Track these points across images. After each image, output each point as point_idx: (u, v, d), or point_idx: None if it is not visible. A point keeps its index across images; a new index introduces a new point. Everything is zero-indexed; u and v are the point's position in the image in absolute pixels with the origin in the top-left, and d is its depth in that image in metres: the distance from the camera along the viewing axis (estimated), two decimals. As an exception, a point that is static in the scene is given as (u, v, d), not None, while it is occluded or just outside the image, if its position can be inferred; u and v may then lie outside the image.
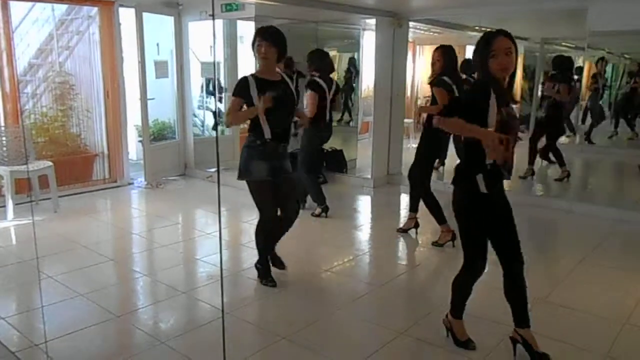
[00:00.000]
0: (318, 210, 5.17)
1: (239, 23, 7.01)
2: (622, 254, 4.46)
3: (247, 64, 6.46)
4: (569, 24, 6.65)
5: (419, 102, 9.61)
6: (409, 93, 8.53)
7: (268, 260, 3.63)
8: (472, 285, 2.76)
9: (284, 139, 3.40)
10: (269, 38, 3.26)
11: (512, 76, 2.54)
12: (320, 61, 4.99)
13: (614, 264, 4.20)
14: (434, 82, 4.16)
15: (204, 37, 6.93)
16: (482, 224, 2.63)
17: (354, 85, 8.22)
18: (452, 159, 3.23)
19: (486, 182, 2.49)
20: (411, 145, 8.76)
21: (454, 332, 2.83)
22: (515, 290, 2.65)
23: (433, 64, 4.21)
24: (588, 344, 2.88)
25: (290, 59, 7.61)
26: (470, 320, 3.19)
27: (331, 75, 5.13)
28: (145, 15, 6.17)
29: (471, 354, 2.75)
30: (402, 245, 4.71)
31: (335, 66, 8.11)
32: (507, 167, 2.52)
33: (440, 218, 4.35)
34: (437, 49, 4.22)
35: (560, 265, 4.04)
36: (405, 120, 7.57)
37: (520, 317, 2.65)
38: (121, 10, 6.09)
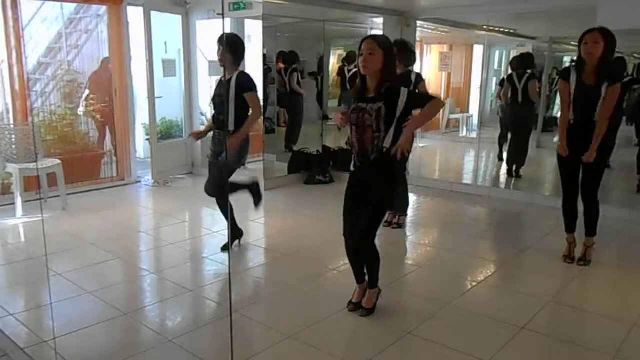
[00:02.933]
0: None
1: (247, 22, 7.02)
2: (631, 255, 4.43)
3: (255, 63, 6.48)
4: (578, 23, 6.58)
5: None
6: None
7: (234, 230, 4.21)
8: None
9: (219, 127, 4.02)
10: (224, 44, 3.82)
11: (382, 73, 2.87)
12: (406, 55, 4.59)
13: (624, 264, 4.18)
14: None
15: (212, 35, 6.94)
16: (348, 198, 3.16)
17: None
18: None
19: (353, 162, 3.09)
20: (418, 145, 8.76)
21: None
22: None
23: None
24: (596, 344, 2.86)
25: (292, 54, 7.62)
26: (479, 320, 3.18)
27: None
28: (153, 14, 6.19)
29: (480, 352, 2.74)
30: (408, 245, 4.70)
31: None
32: (356, 152, 3.02)
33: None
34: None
35: (568, 266, 4.01)
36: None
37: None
38: (129, 9, 6.12)
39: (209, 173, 4.20)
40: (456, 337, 2.95)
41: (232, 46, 3.86)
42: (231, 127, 3.89)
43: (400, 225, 4.88)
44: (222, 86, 3.97)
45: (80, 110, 6.26)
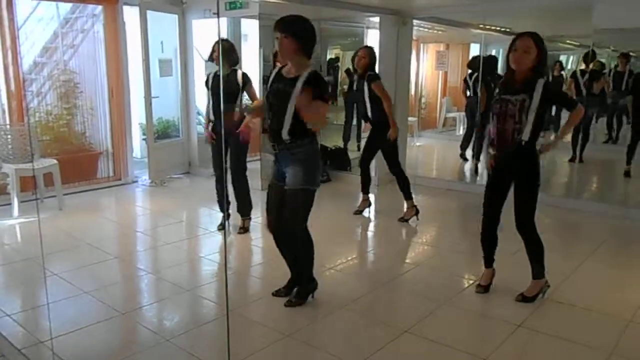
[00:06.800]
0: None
1: (243, 21, 7.01)
2: (627, 252, 4.45)
3: (251, 62, 6.48)
4: (574, 21, 6.63)
5: (422, 101, 9.61)
6: (412, 91, 8.50)
7: (293, 271, 3.34)
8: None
9: (276, 140, 3.05)
10: (282, 28, 2.94)
11: (534, 69, 3.03)
12: None
13: (619, 262, 4.19)
14: None
15: (208, 35, 6.94)
16: (488, 189, 3.41)
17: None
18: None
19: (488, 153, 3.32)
20: (415, 143, 8.77)
21: None
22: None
23: None
24: (593, 341, 2.87)
25: None
26: (477, 318, 3.19)
27: None
28: (149, 13, 6.18)
29: (478, 350, 2.75)
30: (405, 243, 4.71)
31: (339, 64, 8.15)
32: (494, 143, 3.18)
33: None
34: None
35: (565, 263, 4.03)
36: (409, 118, 7.56)
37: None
38: (125, 8, 6.11)
39: (272, 202, 3.21)
40: (454, 335, 2.96)
41: (298, 30, 2.96)
42: (285, 137, 2.98)
43: (247, 230, 4.60)
44: (279, 81, 3.01)
45: None
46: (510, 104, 3.04)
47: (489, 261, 3.47)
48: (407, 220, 5.00)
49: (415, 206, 4.99)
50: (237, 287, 3.61)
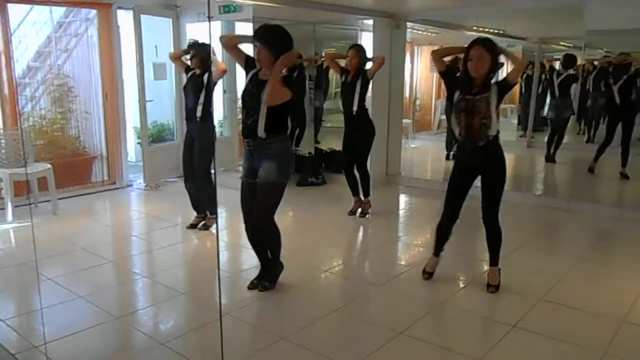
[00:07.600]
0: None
1: (237, 25, 7.02)
2: (620, 252, 4.47)
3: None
4: (567, 23, 6.68)
5: (417, 103, 9.64)
6: (407, 94, 8.53)
7: (263, 262, 3.55)
8: None
9: (251, 137, 3.23)
10: (259, 39, 3.15)
11: (489, 73, 3.25)
12: None
13: (612, 262, 4.21)
14: None
15: (202, 38, 6.93)
16: (454, 182, 3.60)
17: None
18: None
19: (457, 150, 3.63)
20: (409, 145, 8.79)
21: None
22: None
23: None
24: (587, 341, 2.89)
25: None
26: (471, 319, 3.20)
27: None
28: (143, 17, 6.17)
29: (472, 351, 2.75)
30: (400, 245, 4.72)
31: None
32: (463, 139, 3.38)
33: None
34: None
35: (558, 263, 4.05)
36: (404, 120, 7.58)
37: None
38: (119, 12, 6.10)
39: (246, 199, 3.41)
40: (448, 336, 2.97)
41: (274, 41, 3.15)
42: (261, 134, 3.17)
43: (208, 227, 4.76)
44: (253, 82, 3.23)
45: None
46: (477, 102, 3.22)
47: (438, 251, 3.68)
48: (366, 214, 5.23)
49: (369, 201, 5.27)
50: (232, 290, 3.61)
